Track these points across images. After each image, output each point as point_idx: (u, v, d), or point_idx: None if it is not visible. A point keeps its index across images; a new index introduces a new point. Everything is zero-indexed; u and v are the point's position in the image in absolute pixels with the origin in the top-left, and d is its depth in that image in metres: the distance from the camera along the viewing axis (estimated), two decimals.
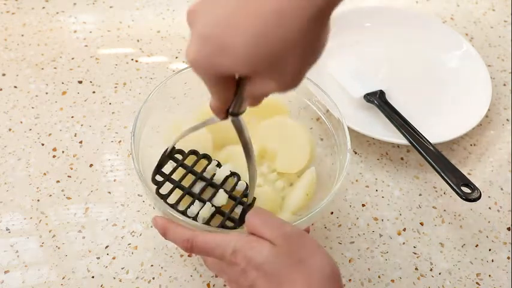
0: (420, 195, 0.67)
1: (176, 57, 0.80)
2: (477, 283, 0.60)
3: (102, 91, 0.75)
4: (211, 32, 0.34)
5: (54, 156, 0.67)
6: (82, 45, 0.81)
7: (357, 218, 0.64)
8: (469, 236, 0.64)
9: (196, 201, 0.52)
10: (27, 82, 0.75)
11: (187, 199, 0.52)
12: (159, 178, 0.53)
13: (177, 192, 0.52)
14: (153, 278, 0.58)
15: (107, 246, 0.60)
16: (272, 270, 0.40)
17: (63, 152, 0.68)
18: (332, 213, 0.65)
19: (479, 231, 0.65)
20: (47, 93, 0.74)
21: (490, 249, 0.63)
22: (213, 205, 0.51)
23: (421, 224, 0.65)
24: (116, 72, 0.77)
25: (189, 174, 0.54)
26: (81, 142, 0.69)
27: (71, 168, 0.66)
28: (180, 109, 0.60)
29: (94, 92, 0.75)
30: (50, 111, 0.72)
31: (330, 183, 0.55)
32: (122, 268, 0.58)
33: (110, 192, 0.64)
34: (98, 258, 0.59)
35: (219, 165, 0.55)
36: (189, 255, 0.59)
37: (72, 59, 0.78)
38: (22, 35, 0.81)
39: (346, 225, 0.64)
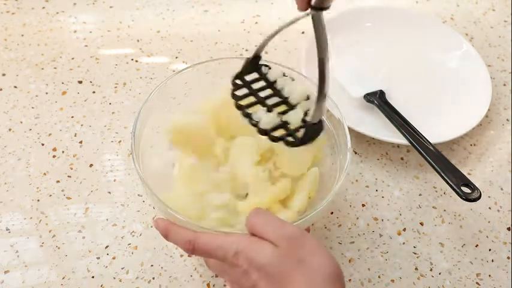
0: (420, 195, 0.67)
1: (176, 57, 0.80)
2: (477, 283, 0.60)
3: (102, 91, 0.75)
4: None
5: (54, 156, 0.67)
6: (82, 45, 0.81)
7: (357, 218, 0.64)
8: (469, 236, 0.64)
9: (265, 109, 0.51)
10: (27, 82, 0.75)
11: (257, 108, 0.52)
12: (238, 82, 0.53)
13: (251, 100, 0.52)
14: (153, 278, 0.57)
15: (107, 246, 0.60)
16: (274, 271, 0.40)
17: (63, 152, 0.68)
18: (332, 213, 0.65)
19: (479, 231, 0.65)
20: (47, 93, 0.74)
21: (490, 249, 0.63)
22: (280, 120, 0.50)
23: (421, 224, 0.65)
24: (116, 72, 0.77)
25: (268, 88, 0.53)
26: (81, 142, 0.69)
27: (71, 168, 0.66)
28: (181, 109, 0.60)
29: (94, 92, 0.75)
30: (50, 111, 0.72)
31: (330, 183, 0.55)
32: (122, 268, 0.58)
33: (110, 192, 0.64)
34: (98, 258, 0.59)
35: (308, 97, 0.53)
36: (189, 256, 0.59)
37: (72, 59, 0.78)
38: (22, 35, 0.81)
39: (346, 225, 0.64)
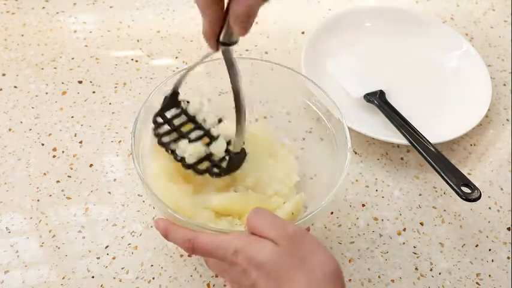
0: (420, 195, 0.67)
1: (176, 57, 0.80)
2: (477, 283, 0.60)
3: (102, 91, 0.75)
4: None
5: (54, 156, 0.67)
6: (82, 45, 0.80)
7: (357, 218, 0.64)
8: (469, 236, 0.64)
9: (187, 141, 0.53)
10: (27, 82, 0.75)
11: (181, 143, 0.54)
12: (159, 120, 0.54)
13: (173, 136, 0.54)
14: (153, 278, 0.57)
15: (107, 246, 0.59)
16: (273, 269, 0.40)
17: (63, 152, 0.68)
18: (332, 213, 0.65)
19: (479, 231, 0.65)
20: (47, 93, 0.74)
21: (490, 249, 0.63)
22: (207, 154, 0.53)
23: (421, 224, 0.65)
24: (115, 72, 0.77)
25: (189, 122, 0.55)
26: (81, 142, 0.69)
27: (71, 168, 0.66)
28: None
29: (94, 92, 0.74)
30: (50, 111, 0.72)
31: (330, 183, 0.55)
32: (122, 268, 0.58)
33: (110, 192, 0.64)
34: (98, 258, 0.58)
35: (220, 120, 0.56)
36: (189, 256, 0.59)
37: (72, 59, 0.78)
38: (22, 35, 0.81)
39: (346, 225, 0.64)
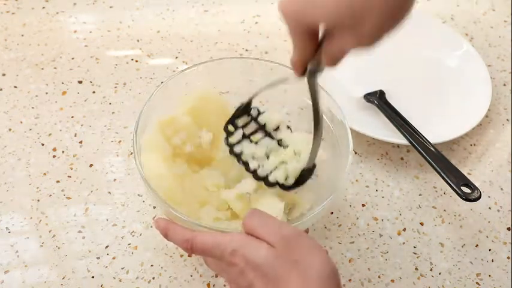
0: (420, 195, 0.67)
1: (176, 57, 0.80)
2: (477, 283, 0.60)
3: (102, 91, 0.75)
4: None
5: (54, 156, 0.67)
6: (82, 45, 0.80)
7: (357, 218, 0.64)
8: (469, 236, 0.64)
9: (263, 154, 0.54)
10: (27, 82, 0.75)
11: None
12: (231, 128, 0.56)
13: (246, 147, 0.55)
14: (153, 278, 0.57)
15: (107, 246, 0.60)
16: (269, 271, 0.41)
17: (63, 152, 0.68)
18: (332, 213, 0.65)
19: (479, 231, 0.65)
20: (47, 93, 0.74)
21: (490, 249, 0.63)
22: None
23: (421, 224, 0.65)
24: (115, 72, 0.77)
25: (259, 130, 0.56)
26: (81, 142, 0.69)
27: (71, 168, 0.66)
28: (181, 109, 0.60)
29: (94, 92, 0.74)
30: (50, 111, 0.72)
31: (330, 184, 0.55)
32: (122, 268, 0.58)
33: (110, 192, 0.64)
34: (98, 258, 0.59)
35: (289, 127, 0.57)
36: (189, 255, 0.59)
37: (72, 59, 0.78)
38: (22, 35, 0.81)
39: (346, 225, 0.64)
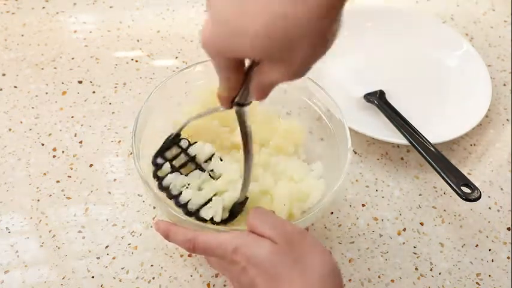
0: (420, 195, 0.67)
1: (176, 57, 0.80)
2: (477, 283, 0.60)
3: (102, 91, 0.75)
4: (228, 15, 0.35)
5: (54, 156, 0.67)
6: (82, 45, 0.80)
7: (357, 218, 0.64)
8: (469, 236, 0.64)
9: (190, 188, 0.52)
10: (27, 82, 0.75)
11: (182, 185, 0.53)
12: (159, 161, 0.54)
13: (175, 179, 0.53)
14: (153, 278, 0.57)
15: (107, 246, 0.59)
16: (271, 268, 0.41)
17: (63, 152, 0.68)
18: (332, 213, 0.65)
19: (479, 231, 0.65)
20: (47, 93, 0.74)
21: (490, 249, 0.63)
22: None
23: (421, 224, 0.65)
24: (115, 72, 0.77)
25: (190, 163, 0.54)
26: (81, 142, 0.69)
27: (71, 168, 0.66)
28: (181, 108, 0.60)
29: (94, 92, 0.74)
30: (50, 111, 0.72)
31: (330, 183, 0.55)
32: (122, 268, 0.58)
33: (110, 192, 0.64)
34: (98, 258, 0.58)
35: (221, 159, 0.56)
36: (189, 256, 0.59)
37: (72, 59, 0.78)
38: (22, 35, 0.81)
39: (346, 225, 0.64)
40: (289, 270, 0.41)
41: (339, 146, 0.57)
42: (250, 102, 0.42)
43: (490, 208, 0.67)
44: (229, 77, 0.40)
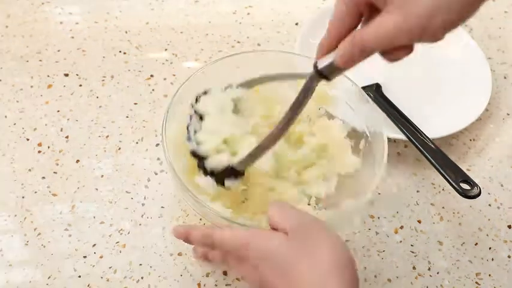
0: (418, 191, 0.67)
1: (166, 49, 0.79)
2: (477, 283, 0.60)
3: (89, 84, 0.74)
4: None
5: (39, 152, 0.66)
6: (68, 36, 0.80)
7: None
8: (469, 234, 0.64)
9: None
10: (12, 75, 0.74)
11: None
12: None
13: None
14: (142, 278, 0.57)
15: (94, 245, 0.59)
16: (280, 260, 0.42)
17: (48, 147, 0.67)
18: None
19: (478, 229, 0.64)
20: (32, 86, 0.73)
21: (490, 248, 0.63)
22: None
23: (419, 221, 0.64)
24: (103, 64, 0.77)
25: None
26: (67, 137, 0.68)
27: (57, 164, 0.65)
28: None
29: (81, 85, 0.74)
30: (35, 105, 0.71)
31: (356, 188, 0.56)
32: (110, 267, 0.58)
33: (97, 189, 0.64)
34: (85, 257, 0.58)
35: None
36: (179, 254, 0.59)
37: (58, 51, 0.78)
38: (6, 26, 0.80)
39: None
40: (298, 262, 0.41)
41: (372, 156, 0.58)
42: (331, 79, 0.44)
43: (490, 205, 0.66)
44: (344, 13, 0.41)
